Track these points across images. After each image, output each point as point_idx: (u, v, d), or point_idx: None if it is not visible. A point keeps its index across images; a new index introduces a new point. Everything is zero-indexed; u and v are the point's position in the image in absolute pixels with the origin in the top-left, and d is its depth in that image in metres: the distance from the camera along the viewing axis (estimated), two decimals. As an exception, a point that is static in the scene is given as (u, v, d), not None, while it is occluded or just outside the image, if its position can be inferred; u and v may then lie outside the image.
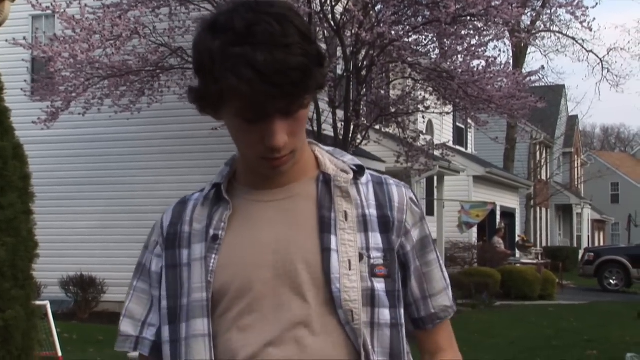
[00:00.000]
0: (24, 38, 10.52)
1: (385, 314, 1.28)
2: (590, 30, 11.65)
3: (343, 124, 10.72)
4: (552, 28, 27.42)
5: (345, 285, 1.25)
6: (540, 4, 21.75)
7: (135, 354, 1.38)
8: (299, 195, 1.32)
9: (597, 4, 14.13)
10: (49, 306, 6.65)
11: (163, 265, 1.34)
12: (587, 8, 11.18)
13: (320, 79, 1.24)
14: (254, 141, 1.24)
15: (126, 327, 1.37)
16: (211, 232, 1.30)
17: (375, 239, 1.30)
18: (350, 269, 1.26)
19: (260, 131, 1.22)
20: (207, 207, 1.34)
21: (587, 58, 54.87)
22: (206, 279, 1.28)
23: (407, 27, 10.69)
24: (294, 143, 1.25)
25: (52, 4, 9.77)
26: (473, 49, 10.76)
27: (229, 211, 1.31)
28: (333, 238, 1.28)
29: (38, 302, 5.06)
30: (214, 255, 1.29)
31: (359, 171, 1.35)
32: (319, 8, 10.30)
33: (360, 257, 1.28)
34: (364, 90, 11.25)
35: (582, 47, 29.57)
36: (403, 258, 1.34)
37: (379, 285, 1.28)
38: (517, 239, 22.48)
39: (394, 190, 1.36)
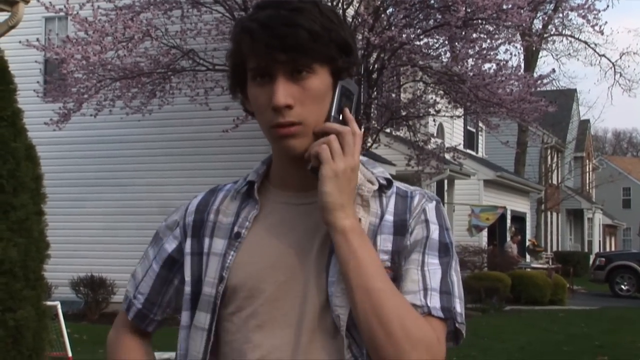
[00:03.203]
0: (37, 40, 10.55)
1: None
2: (602, 33, 11.53)
3: (354, 127, 10.71)
4: (564, 32, 27.32)
5: (337, 290, 1.24)
6: (552, 7, 21.66)
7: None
8: None
9: (608, 6, 14.08)
10: (59, 307, 6.67)
11: (188, 252, 1.37)
12: (599, 11, 11.08)
13: (336, 57, 1.26)
14: (264, 105, 1.26)
15: (129, 286, 1.46)
16: (235, 229, 1.33)
17: (385, 242, 1.29)
18: None
19: (268, 93, 1.25)
20: (237, 202, 1.36)
21: (600, 62, 54.75)
22: (219, 275, 1.30)
23: (418, 31, 10.68)
24: (303, 114, 1.25)
25: (65, 6, 9.83)
26: (484, 52, 10.74)
27: (255, 211, 1.33)
28: None
29: (49, 303, 5.08)
30: (232, 252, 1.31)
31: (387, 185, 1.34)
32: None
33: None
34: (375, 93, 11.25)
35: (595, 51, 29.43)
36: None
37: None
38: (527, 243, 22.38)
39: (415, 200, 1.33)
